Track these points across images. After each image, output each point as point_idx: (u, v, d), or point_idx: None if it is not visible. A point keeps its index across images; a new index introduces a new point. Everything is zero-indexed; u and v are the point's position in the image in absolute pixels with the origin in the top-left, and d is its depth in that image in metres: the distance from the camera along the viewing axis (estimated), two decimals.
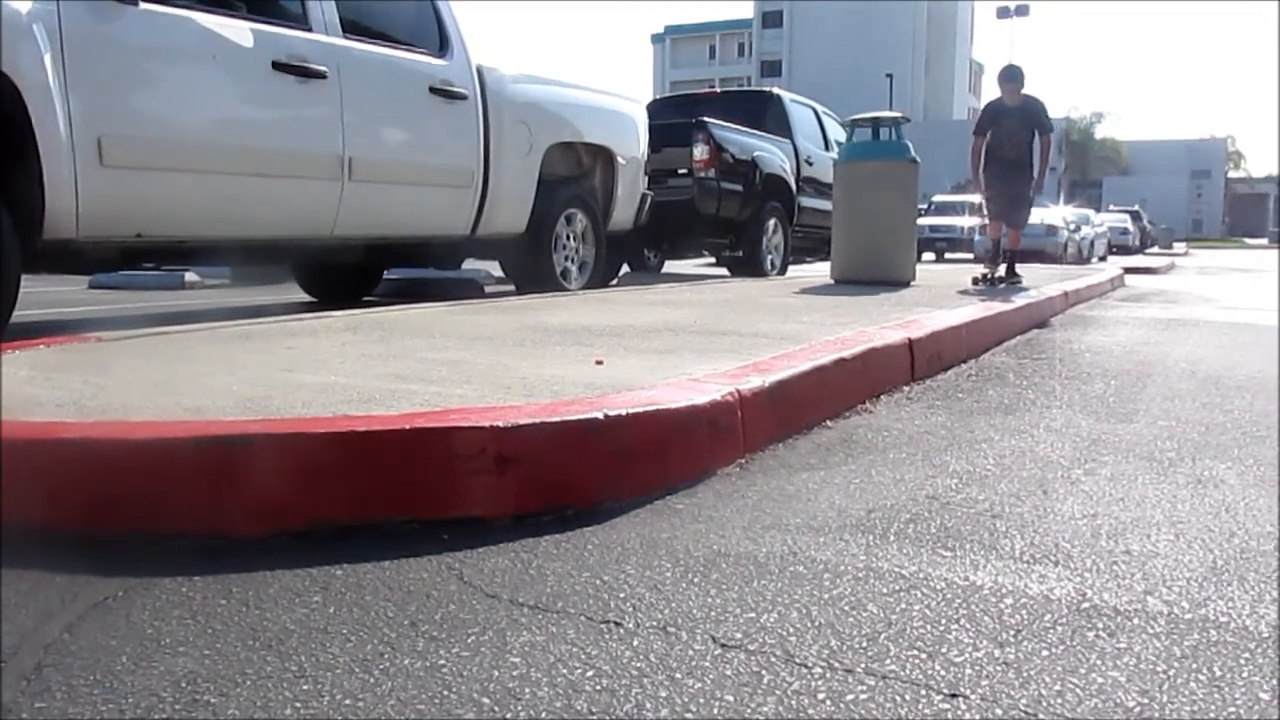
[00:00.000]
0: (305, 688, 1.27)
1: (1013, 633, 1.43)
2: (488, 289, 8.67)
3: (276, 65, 4.74)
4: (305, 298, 7.39)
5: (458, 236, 6.18)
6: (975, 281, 7.84)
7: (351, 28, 5.23)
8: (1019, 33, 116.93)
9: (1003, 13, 58.24)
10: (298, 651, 1.38)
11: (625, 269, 10.24)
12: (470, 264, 8.10)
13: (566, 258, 6.92)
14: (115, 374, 2.73)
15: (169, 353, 3.19)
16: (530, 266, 6.71)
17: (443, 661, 1.34)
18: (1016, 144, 8.00)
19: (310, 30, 4.98)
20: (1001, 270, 8.09)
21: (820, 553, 1.76)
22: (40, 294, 7.51)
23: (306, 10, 5.01)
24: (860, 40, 74.49)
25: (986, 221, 8.96)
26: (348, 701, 1.24)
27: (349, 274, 7.29)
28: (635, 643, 1.39)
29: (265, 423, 2.00)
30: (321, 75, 4.94)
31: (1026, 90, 8.04)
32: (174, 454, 1.85)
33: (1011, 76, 8.12)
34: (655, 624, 1.46)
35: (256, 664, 1.34)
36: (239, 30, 4.60)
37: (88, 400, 2.31)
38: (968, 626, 1.45)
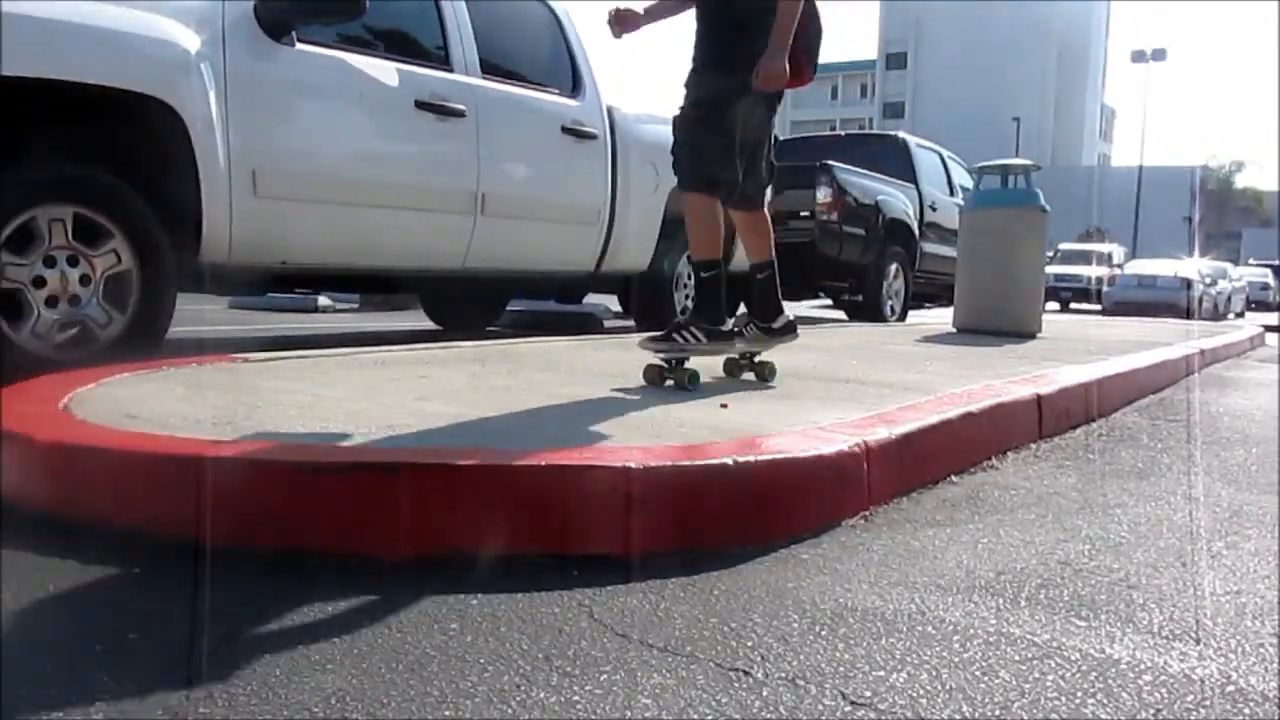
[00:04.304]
0: (447, 713, 1.33)
1: (1152, 711, 1.39)
2: (606, 323, 8.80)
3: (419, 104, 4.94)
4: (430, 325, 7.62)
5: (583, 272, 6.30)
6: (654, 378, 3.37)
7: (490, 68, 5.42)
8: (1154, 76, 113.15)
9: (1138, 56, 56.43)
10: (438, 677, 1.43)
11: (742, 309, 10.24)
12: (590, 298, 8.23)
13: (687, 296, 6.97)
14: (263, 395, 2.88)
15: (311, 376, 3.34)
16: (651, 304, 6.79)
17: (577, 698, 1.38)
18: None
19: (451, 70, 5.19)
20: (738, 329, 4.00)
21: (949, 613, 1.74)
22: (186, 311, 7.91)
23: (449, 51, 5.22)
24: (986, 82, 73.11)
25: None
26: None
27: (474, 304, 7.49)
28: (764, 693, 1.41)
29: (409, 452, 2.09)
30: (460, 114, 5.13)
31: None
32: (323, 476, 1.95)
33: None
34: (784, 675, 1.47)
35: (400, 686, 1.40)
36: (386, 70, 4.82)
37: (241, 420, 2.45)
38: (1104, 701, 1.42)
